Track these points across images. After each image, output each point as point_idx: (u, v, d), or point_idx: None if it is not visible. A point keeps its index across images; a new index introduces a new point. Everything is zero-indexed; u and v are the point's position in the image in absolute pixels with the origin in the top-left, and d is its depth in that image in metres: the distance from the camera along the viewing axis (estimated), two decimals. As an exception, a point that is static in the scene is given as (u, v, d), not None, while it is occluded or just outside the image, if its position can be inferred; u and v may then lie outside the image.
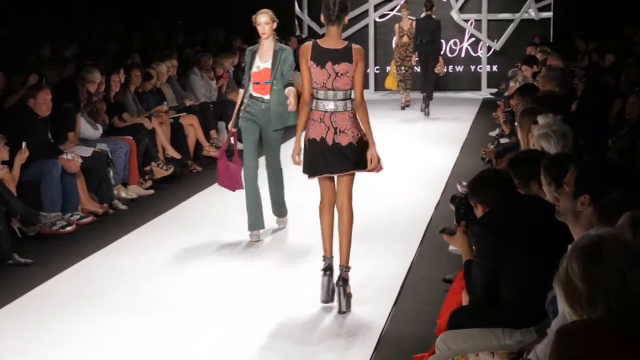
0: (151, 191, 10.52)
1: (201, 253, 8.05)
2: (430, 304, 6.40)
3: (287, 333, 6.12)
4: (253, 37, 17.34)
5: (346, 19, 6.52)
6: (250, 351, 5.82)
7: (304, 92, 6.47)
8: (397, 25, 17.43)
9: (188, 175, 11.53)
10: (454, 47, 20.48)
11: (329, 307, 6.51)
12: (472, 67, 20.83)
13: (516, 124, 7.47)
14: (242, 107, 8.31)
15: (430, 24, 16.55)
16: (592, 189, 3.79)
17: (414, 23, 16.73)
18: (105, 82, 10.71)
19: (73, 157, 9.10)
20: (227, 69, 14.58)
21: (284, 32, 19.14)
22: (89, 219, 9.03)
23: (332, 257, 6.54)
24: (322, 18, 6.48)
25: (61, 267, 7.60)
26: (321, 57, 6.38)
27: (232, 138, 8.45)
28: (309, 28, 21.15)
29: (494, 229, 4.58)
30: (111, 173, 9.79)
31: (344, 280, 6.45)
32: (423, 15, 16.73)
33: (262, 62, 8.29)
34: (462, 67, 20.79)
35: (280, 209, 8.79)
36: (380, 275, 7.30)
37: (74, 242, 8.37)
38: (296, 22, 21.00)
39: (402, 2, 18.03)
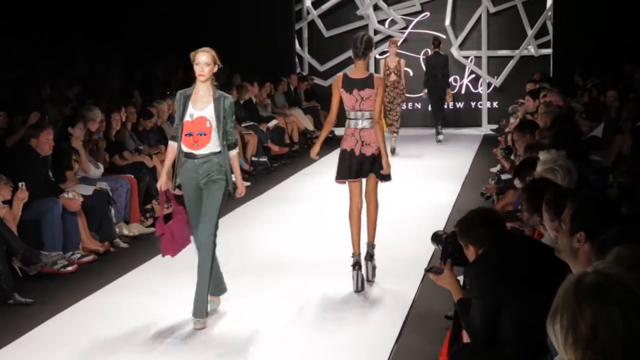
0: (152, 229, 10.47)
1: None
2: (431, 341, 6.38)
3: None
4: (249, 74, 17.39)
5: (371, 54, 8.09)
6: None
7: (331, 113, 8.14)
8: (382, 62, 16.20)
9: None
10: (454, 83, 20.55)
11: (333, 331, 6.49)
12: (473, 104, 20.90)
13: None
14: (181, 163, 7.12)
15: (440, 59, 17.95)
16: (587, 226, 3.78)
17: (402, 61, 16.29)
18: (106, 121, 10.75)
19: (74, 195, 9.11)
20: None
21: (284, 69, 19.29)
22: (90, 257, 9.03)
23: (359, 255, 7.99)
24: (352, 53, 8.04)
25: (62, 307, 7.58)
26: (349, 85, 7.93)
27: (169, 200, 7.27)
28: (310, 65, 21.24)
29: (490, 268, 4.57)
30: (112, 211, 9.80)
31: (370, 256, 8.19)
32: (431, 52, 18.23)
33: (196, 109, 7.01)
34: (463, 103, 20.86)
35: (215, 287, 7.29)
36: (380, 314, 7.27)
37: (75, 281, 8.36)
38: (297, 60, 21.11)
39: (390, 38, 17.52)
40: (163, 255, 7.32)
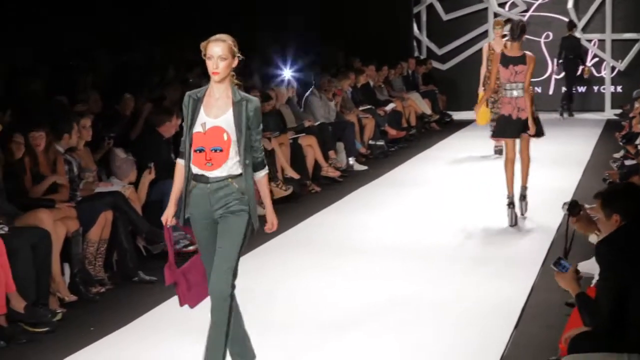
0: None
1: (320, 272, 8.08)
2: (552, 327, 6.28)
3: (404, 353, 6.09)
4: (367, 58, 17.14)
5: (524, 37, 9.78)
6: None
7: (491, 82, 10.66)
8: (485, 46, 14.36)
9: (307, 195, 11.62)
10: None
11: (447, 331, 6.47)
12: (595, 88, 20.42)
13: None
14: (189, 190, 5.43)
15: (574, 42, 19.19)
16: None
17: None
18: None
19: (195, 177, 9.26)
20: (345, 90, 14.70)
21: (402, 53, 19.21)
22: (210, 237, 9.18)
23: (513, 196, 9.76)
24: (509, 36, 9.85)
25: (183, 285, 7.71)
26: (506, 61, 9.71)
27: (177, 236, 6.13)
28: (428, 49, 21.09)
29: (622, 248, 4.46)
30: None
31: (523, 196, 10.01)
32: (566, 35, 19.18)
33: (209, 117, 5.34)
34: (585, 87, 20.39)
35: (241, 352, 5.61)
36: (500, 299, 7.20)
37: (196, 260, 8.51)
38: (415, 43, 20.98)
39: (495, 19, 15.54)
40: (181, 305, 5.69)
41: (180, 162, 5.48)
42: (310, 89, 13.71)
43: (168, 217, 5.48)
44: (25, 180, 7.63)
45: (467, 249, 8.82)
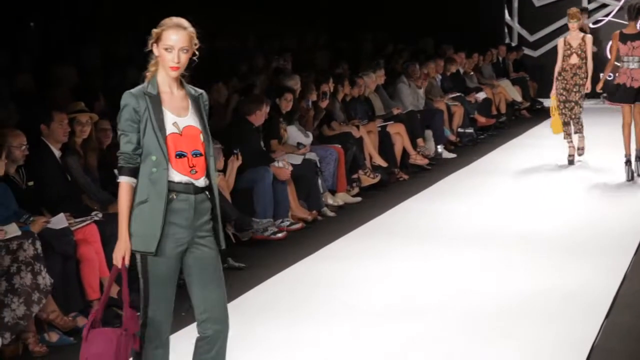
0: (358, 199, 10.65)
1: (408, 261, 8.07)
2: (645, 318, 6.17)
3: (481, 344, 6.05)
4: (457, 44, 16.90)
5: None
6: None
7: (611, 59, 12.17)
8: (561, 41, 12.59)
9: (395, 183, 11.60)
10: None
11: (530, 322, 6.40)
12: None
13: None
14: (166, 206, 4.42)
15: None
16: None
17: (588, 37, 12.42)
18: (316, 91, 10.93)
19: (284, 164, 9.35)
20: (433, 76, 14.62)
21: (493, 40, 18.99)
22: (299, 225, 9.26)
23: (630, 155, 11.18)
24: (627, 16, 11.62)
25: (272, 272, 7.80)
26: (624, 38, 11.29)
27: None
28: (519, 35, 20.82)
29: None
30: (319, 181, 10.00)
31: (638, 157, 11.28)
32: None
33: (180, 116, 4.49)
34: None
35: None
36: (591, 288, 7.09)
37: (284, 248, 8.59)
38: (506, 30, 20.73)
39: (569, 10, 12.72)
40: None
41: (126, 181, 4.40)
42: (400, 77, 13.66)
43: (126, 254, 4.39)
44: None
45: (557, 237, 8.68)
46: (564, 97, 12.25)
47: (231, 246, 8.41)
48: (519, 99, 17.81)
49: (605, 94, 13.75)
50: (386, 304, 6.90)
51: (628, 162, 11.22)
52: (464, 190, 11.14)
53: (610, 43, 14.03)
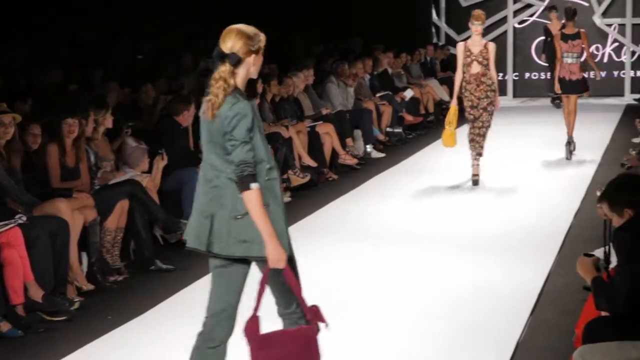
0: (288, 199, 10.61)
1: (337, 260, 8.09)
2: (569, 313, 6.26)
3: (420, 341, 6.10)
4: (385, 44, 16.95)
5: (576, 18, 12.87)
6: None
7: (558, 57, 12.79)
8: (461, 46, 11.29)
9: (324, 183, 11.62)
10: (596, 52, 19.98)
11: (459, 325, 6.46)
12: (615, 73, 20.30)
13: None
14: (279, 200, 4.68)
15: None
16: None
17: (491, 45, 11.17)
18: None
19: (213, 165, 9.27)
20: (361, 76, 14.67)
21: (420, 39, 19.14)
22: (228, 226, 9.20)
23: (572, 137, 12.62)
24: (564, 18, 12.89)
25: (201, 273, 7.74)
26: (565, 37, 12.48)
27: None
28: (446, 35, 21.02)
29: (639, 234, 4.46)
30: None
31: (569, 142, 12.74)
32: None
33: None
34: (605, 72, 20.26)
35: None
36: (517, 284, 7.19)
37: (213, 249, 8.53)
38: (433, 30, 20.91)
39: (473, 12, 11.67)
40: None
41: (258, 187, 4.48)
42: (329, 77, 13.69)
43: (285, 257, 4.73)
44: (51, 169, 7.63)
45: (482, 235, 8.78)
46: (472, 116, 10.92)
47: (159, 248, 8.35)
48: (446, 98, 17.93)
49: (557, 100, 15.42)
50: (313, 302, 6.90)
51: (569, 143, 12.63)
52: (392, 189, 11.21)
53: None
